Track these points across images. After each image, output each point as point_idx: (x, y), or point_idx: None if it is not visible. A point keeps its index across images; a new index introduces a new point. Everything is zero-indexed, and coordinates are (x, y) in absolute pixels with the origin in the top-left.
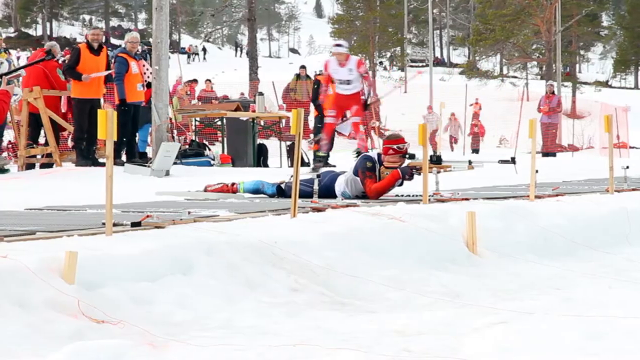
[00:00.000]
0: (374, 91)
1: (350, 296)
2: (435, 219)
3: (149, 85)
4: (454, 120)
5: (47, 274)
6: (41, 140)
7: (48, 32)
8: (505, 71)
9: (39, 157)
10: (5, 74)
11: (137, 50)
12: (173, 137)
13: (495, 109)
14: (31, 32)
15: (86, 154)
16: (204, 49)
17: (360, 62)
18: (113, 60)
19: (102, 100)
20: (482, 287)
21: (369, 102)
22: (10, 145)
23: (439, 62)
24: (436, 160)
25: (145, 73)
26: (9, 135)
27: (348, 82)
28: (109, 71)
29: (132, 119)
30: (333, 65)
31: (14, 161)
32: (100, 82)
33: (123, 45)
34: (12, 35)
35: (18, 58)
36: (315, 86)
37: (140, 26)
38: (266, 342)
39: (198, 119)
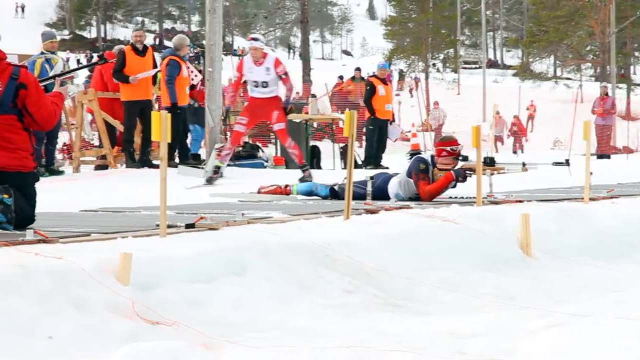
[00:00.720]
0: (291, 95)
1: (404, 298)
2: (489, 222)
3: (192, 87)
4: (499, 119)
5: (102, 276)
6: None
7: (102, 35)
8: (559, 73)
9: (93, 159)
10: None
11: (189, 54)
12: (227, 139)
13: (549, 111)
14: (86, 34)
15: (143, 157)
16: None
17: (278, 62)
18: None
19: (153, 102)
20: (536, 290)
21: (288, 110)
22: (65, 147)
23: (492, 64)
24: (490, 162)
25: (189, 76)
26: (64, 137)
27: (265, 85)
28: (156, 70)
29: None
30: (248, 64)
31: (69, 163)
32: (149, 83)
33: (172, 48)
34: (67, 37)
35: (68, 60)
36: (368, 87)
37: (194, 28)
38: (320, 344)
39: None
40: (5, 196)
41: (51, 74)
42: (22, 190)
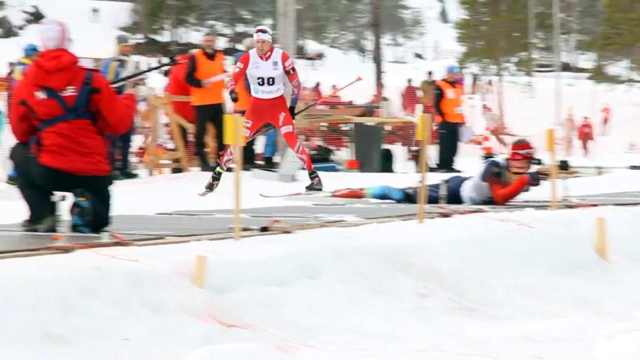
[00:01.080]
0: (298, 93)
1: (478, 302)
2: (564, 225)
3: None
4: (571, 122)
5: (177, 278)
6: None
7: (175, 38)
8: (633, 76)
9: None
10: (130, 77)
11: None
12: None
13: (623, 114)
14: (159, 38)
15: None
16: (320, 55)
17: (286, 55)
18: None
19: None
20: (613, 294)
21: (296, 109)
22: (139, 150)
23: (566, 67)
24: (564, 165)
25: None
26: (138, 140)
27: (271, 81)
28: (227, 73)
29: None
30: (254, 58)
31: (143, 166)
32: (220, 87)
33: (244, 50)
34: (141, 41)
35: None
36: (437, 91)
37: None
38: (395, 348)
39: (324, 124)
40: (82, 199)
41: (122, 76)
42: (98, 193)
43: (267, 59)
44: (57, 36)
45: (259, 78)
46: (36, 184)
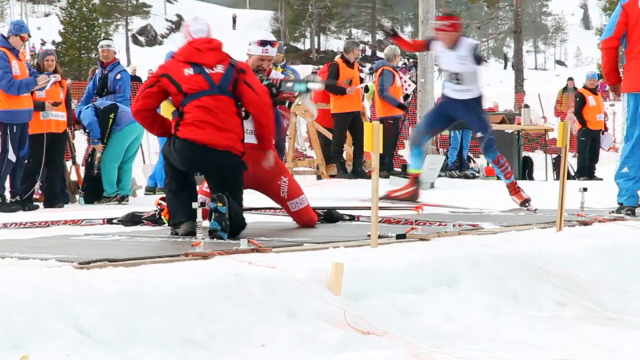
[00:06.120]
0: None
1: (619, 311)
2: None
3: (405, 97)
4: None
5: (314, 285)
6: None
7: (316, 46)
8: None
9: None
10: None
11: (405, 64)
12: (438, 150)
13: None
14: (299, 46)
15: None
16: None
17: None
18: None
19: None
20: None
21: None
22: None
23: None
24: None
25: (402, 85)
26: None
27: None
28: (364, 84)
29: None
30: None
31: None
32: (359, 94)
33: (383, 58)
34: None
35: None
36: (577, 99)
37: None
38: (533, 356)
39: None
40: (220, 204)
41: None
42: (227, 173)
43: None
44: (205, 29)
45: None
46: (176, 175)
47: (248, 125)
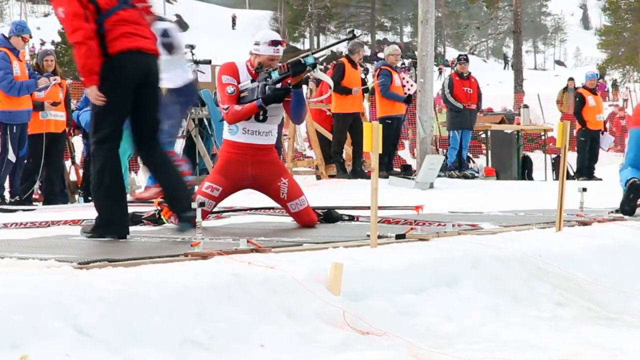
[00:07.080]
0: None
1: (619, 312)
2: None
3: (408, 97)
4: None
5: (313, 285)
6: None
7: (315, 46)
8: None
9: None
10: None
11: (403, 64)
12: (437, 150)
13: None
14: (299, 46)
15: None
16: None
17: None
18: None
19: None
20: None
21: None
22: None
23: None
24: None
25: (405, 85)
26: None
27: None
28: (371, 84)
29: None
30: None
31: None
32: (360, 95)
33: (383, 58)
34: None
35: None
36: (577, 99)
37: (406, 39)
38: (534, 356)
39: None
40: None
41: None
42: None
43: None
44: None
45: None
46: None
47: (248, 125)
